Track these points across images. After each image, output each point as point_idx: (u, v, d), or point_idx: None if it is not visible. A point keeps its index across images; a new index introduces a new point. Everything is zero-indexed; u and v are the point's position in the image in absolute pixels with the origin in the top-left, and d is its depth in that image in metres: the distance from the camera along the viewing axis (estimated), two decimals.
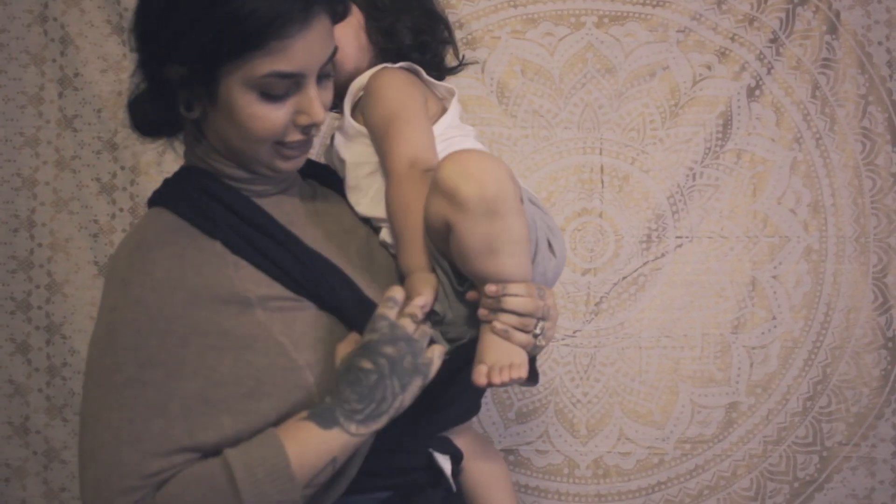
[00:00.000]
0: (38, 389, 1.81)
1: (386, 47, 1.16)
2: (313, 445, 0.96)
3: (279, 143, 1.04)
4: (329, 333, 1.03)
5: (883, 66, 1.82)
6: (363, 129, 1.12)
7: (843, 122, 1.82)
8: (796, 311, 1.82)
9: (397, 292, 1.00)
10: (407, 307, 0.99)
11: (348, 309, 1.03)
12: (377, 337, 0.97)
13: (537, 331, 1.01)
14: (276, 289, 1.02)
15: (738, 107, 1.82)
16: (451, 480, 1.12)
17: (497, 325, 0.99)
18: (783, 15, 1.82)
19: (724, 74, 1.82)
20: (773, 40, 1.82)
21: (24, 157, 1.82)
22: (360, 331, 1.01)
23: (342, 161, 1.15)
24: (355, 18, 1.15)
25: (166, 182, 1.10)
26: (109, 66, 1.81)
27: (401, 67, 1.15)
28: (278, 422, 0.98)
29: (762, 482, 1.81)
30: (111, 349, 0.97)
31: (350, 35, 1.14)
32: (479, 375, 0.97)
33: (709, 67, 1.82)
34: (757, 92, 1.82)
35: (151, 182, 1.77)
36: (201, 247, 1.02)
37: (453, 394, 1.09)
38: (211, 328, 0.97)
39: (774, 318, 1.81)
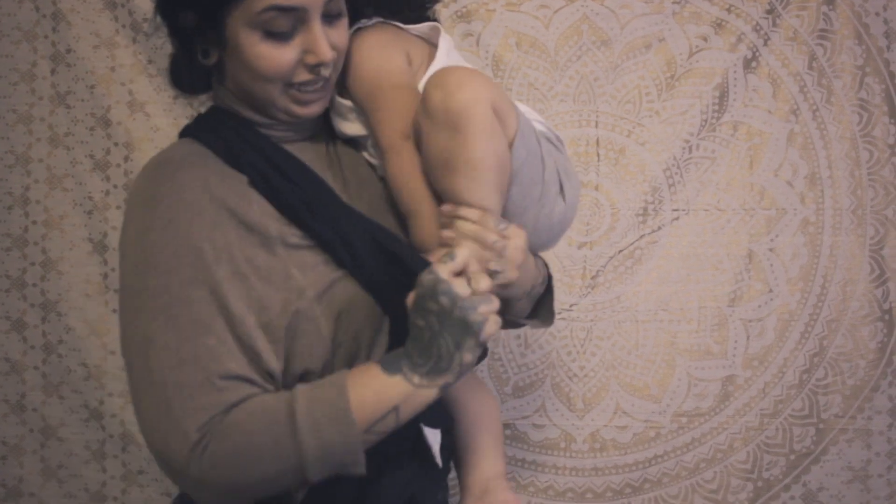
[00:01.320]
0: (34, 367, 1.81)
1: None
2: (375, 390, 0.96)
3: (291, 86, 1.04)
4: (341, 281, 1.03)
5: (880, 36, 1.81)
6: (350, 104, 1.10)
7: (840, 93, 1.81)
8: (793, 283, 1.81)
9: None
10: (452, 264, 0.96)
11: (363, 252, 1.03)
12: (421, 291, 0.96)
13: (492, 267, 0.98)
14: (294, 231, 1.02)
15: (735, 78, 1.81)
16: (437, 456, 1.10)
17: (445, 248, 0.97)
18: None
19: (720, 46, 1.81)
20: (770, 11, 1.81)
21: (17, 134, 1.81)
22: (373, 278, 1.02)
23: (349, 137, 1.14)
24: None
25: (198, 117, 1.12)
26: (102, 42, 1.80)
27: (375, 24, 1.10)
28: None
29: (759, 455, 1.81)
30: (151, 271, 0.96)
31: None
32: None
33: (705, 39, 1.81)
34: (753, 63, 1.81)
35: (145, 158, 1.76)
36: (226, 174, 1.02)
37: None
38: (237, 253, 0.98)
39: (771, 290, 1.81)
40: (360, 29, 1.10)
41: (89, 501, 1.81)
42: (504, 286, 1.01)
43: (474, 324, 0.95)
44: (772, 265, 1.81)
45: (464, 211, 0.98)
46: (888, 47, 1.81)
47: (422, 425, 1.08)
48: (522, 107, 1.12)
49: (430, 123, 0.98)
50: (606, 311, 1.81)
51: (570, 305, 1.81)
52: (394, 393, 0.96)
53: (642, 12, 1.81)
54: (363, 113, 1.09)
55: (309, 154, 1.11)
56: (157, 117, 1.80)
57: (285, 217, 1.03)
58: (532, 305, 1.20)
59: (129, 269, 0.99)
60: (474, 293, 0.95)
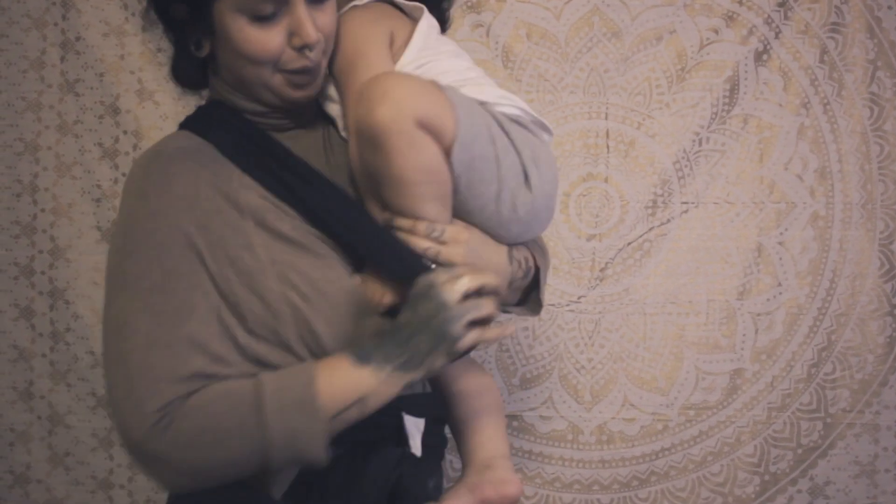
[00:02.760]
0: (41, 354, 1.81)
1: None
2: (343, 379, 0.97)
3: (283, 71, 1.04)
4: (330, 269, 1.04)
5: (892, 30, 1.80)
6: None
7: (852, 87, 1.81)
8: (802, 277, 1.81)
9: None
10: (454, 278, 0.98)
11: (352, 235, 1.04)
12: (414, 291, 0.99)
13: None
14: (286, 223, 1.03)
15: (746, 71, 1.81)
16: (417, 446, 1.10)
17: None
18: None
19: (731, 38, 1.80)
20: (782, 4, 1.80)
21: (26, 121, 1.81)
22: (362, 266, 1.03)
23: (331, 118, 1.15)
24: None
25: (197, 109, 1.14)
26: (111, 30, 1.80)
27: (367, 3, 1.11)
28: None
29: (766, 448, 1.81)
30: (135, 257, 0.99)
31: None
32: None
33: (716, 31, 1.81)
34: (764, 56, 1.81)
35: None
36: (219, 167, 1.04)
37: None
38: (227, 245, 1.00)
39: (780, 284, 1.81)
40: (354, 7, 1.11)
41: (96, 489, 1.82)
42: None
43: (452, 335, 0.98)
44: (781, 259, 1.81)
45: (396, 221, 1.01)
46: None
47: (403, 414, 1.09)
48: (492, 92, 1.09)
49: (355, 138, 1.00)
50: (615, 303, 1.81)
51: (579, 297, 1.81)
52: (362, 384, 0.98)
53: (653, 4, 1.81)
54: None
55: (304, 141, 1.12)
56: (166, 106, 1.80)
57: (278, 202, 1.04)
58: (519, 295, 1.20)
59: (114, 254, 1.02)
60: (463, 302, 0.97)
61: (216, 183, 1.03)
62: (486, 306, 0.99)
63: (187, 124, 1.12)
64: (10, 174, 1.81)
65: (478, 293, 0.99)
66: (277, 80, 1.05)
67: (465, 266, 1.01)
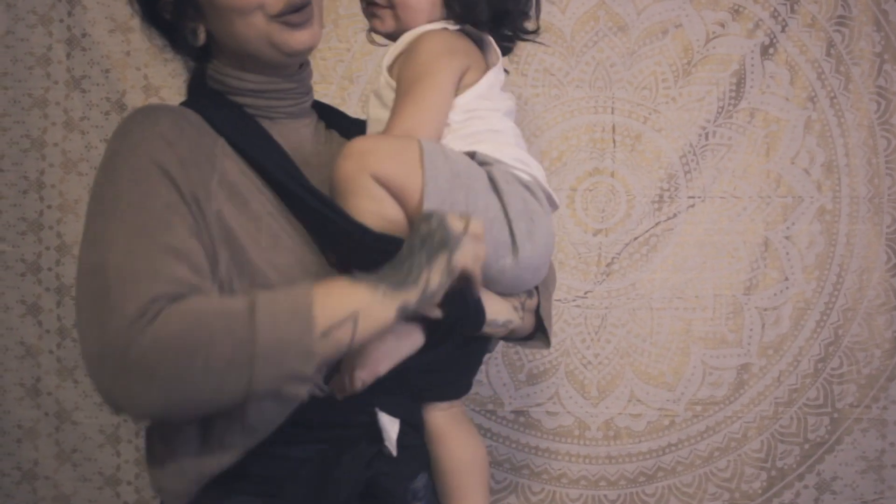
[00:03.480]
0: (49, 351, 1.81)
1: (460, 16, 1.14)
2: (338, 292, 0.94)
3: (274, 17, 1.04)
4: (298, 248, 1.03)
5: None
6: (393, 82, 1.12)
7: (858, 80, 1.80)
8: (809, 271, 1.80)
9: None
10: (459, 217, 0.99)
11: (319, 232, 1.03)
12: (419, 219, 0.99)
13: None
14: (255, 198, 1.03)
15: (752, 65, 1.80)
16: (393, 444, 1.08)
17: None
18: None
19: (737, 32, 1.80)
20: None
21: (32, 118, 1.81)
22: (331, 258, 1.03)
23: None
24: None
25: (196, 93, 1.13)
26: (117, 27, 1.80)
27: (456, 30, 1.14)
28: None
29: (773, 444, 1.80)
30: (112, 182, 0.97)
31: None
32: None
33: (722, 25, 1.80)
34: (771, 50, 1.80)
35: None
36: (205, 132, 1.04)
37: (428, 360, 1.06)
38: (191, 197, 0.98)
39: (787, 279, 1.80)
40: (445, 29, 1.13)
41: (104, 485, 1.82)
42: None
43: (450, 242, 0.96)
44: (788, 253, 1.80)
45: None
46: None
47: (378, 410, 1.07)
48: (510, 153, 1.10)
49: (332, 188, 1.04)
50: (621, 298, 1.81)
51: (585, 293, 1.81)
52: (356, 298, 0.94)
53: None
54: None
55: (295, 133, 1.12)
56: (172, 101, 1.79)
57: (255, 178, 1.04)
58: (529, 327, 1.19)
59: (94, 188, 0.99)
60: (463, 225, 0.97)
61: (199, 140, 1.02)
62: (483, 248, 0.99)
63: (185, 104, 1.11)
64: (17, 171, 1.81)
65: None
66: (272, 28, 1.05)
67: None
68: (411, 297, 0.96)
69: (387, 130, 1.07)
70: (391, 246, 0.99)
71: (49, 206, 1.82)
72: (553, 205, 1.16)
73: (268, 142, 1.07)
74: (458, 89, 1.11)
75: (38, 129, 1.81)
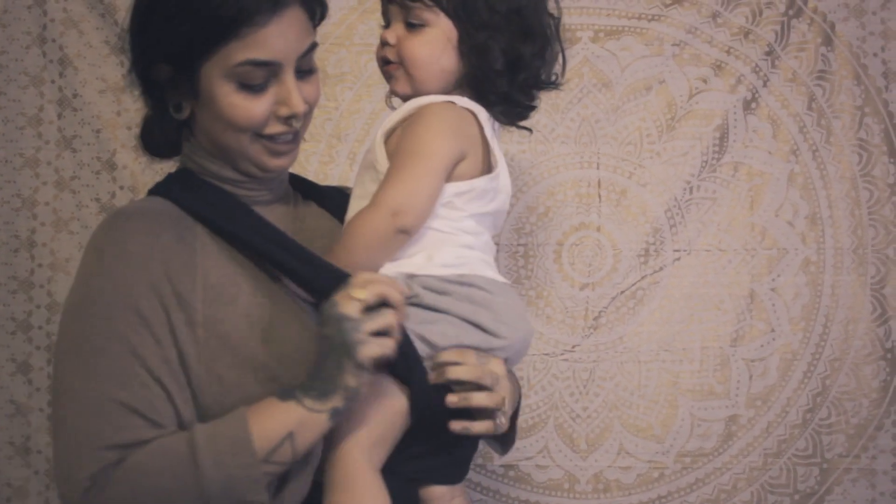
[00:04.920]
0: (39, 409, 1.81)
1: (475, 68, 1.11)
2: (271, 416, 0.97)
3: (264, 137, 1.06)
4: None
5: (879, 77, 1.83)
6: (384, 160, 1.09)
7: (840, 133, 1.83)
8: (795, 323, 1.82)
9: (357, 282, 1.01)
10: (349, 292, 0.98)
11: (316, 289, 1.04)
12: (322, 319, 0.99)
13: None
14: (247, 282, 1.03)
15: (735, 119, 1.83)
16: None
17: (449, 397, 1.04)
18: (778, 27, 1.83)
19: (720, 87, 1.83)
20: (769, 53, 1.82)
21: (23, 177, 1.82)
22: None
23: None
24: (444, 32, 1.12)
25: (168, 175, 1.15)
26: (108, 87, 1.82)
27: (464, 107, 1.11)
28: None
29: (763, 495, 1.80)
30: (83, 317, 0.99)
31: (436, 51, 1.12)
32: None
33: (705, 81, 1.83)
34: (753, 104, 1.83)
35: None
36: (184, 232, 1.03)
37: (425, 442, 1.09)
38: (162, 321, 0.99)
39: (773, 330, 1.81)
40: (450, 102, 1.11)
41: None
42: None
43: (352, 344, 0.97)
44: (774, 305, 1.82)
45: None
46: (887, 87, 1.83)
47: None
48: (444, 255, 1.09)
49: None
50: (609, 351, 1.82)
51: (573, 346, 1.82)
52: (288, 418, 0.97)
53: (642, 55, 1.83)
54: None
55: (276, 213, 1.13)
56: (162, 161, 1.81)
57: (244, 260, 1.04)
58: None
59: (64, 314, 1.03)
60: (367, 317, 0.97)
61: (176, 247, 1.02)
62: (387, 316, 0.98)
63: (156, 190, 1.12)
64: (8, 229, 1.83)
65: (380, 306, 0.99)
66: (256, 148, 1.07)
67: (363, 279, 1.00)
68: (338, 402, 0.98)
69: (374, 203, 1.06)
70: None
71: (40, 265, 1.83)
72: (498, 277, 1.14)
73: (252, 219, 1.08)
74: (457, 173, 1.09)
75: (29, 188, 1.83)
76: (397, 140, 1.10)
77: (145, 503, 0.95)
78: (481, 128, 1.13)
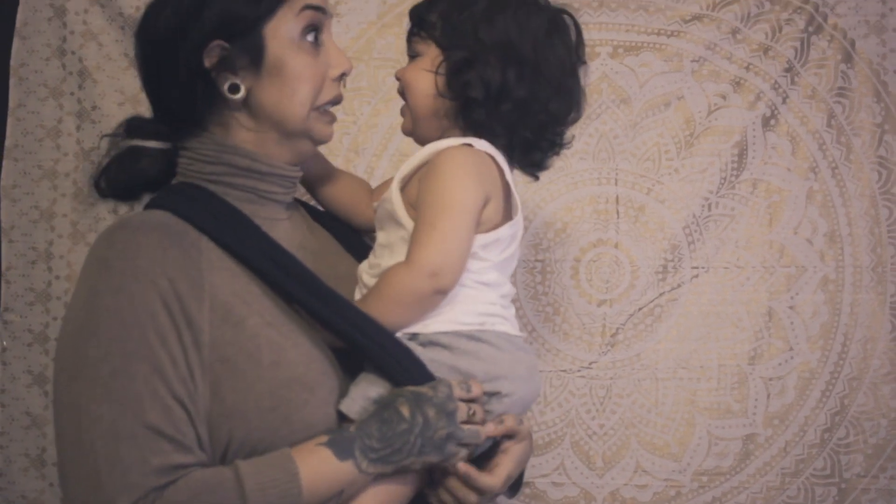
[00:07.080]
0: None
1: (456, 95, 1.09)
2: (325, 474, 0.95)
3: (316, 109, 1.06)
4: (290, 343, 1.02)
5: None
6: (406, 219, 1.07)
7: (859, 151, 1.82)
8: (813, 341, 1.81)
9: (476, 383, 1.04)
10: (472, 395, 1.02)
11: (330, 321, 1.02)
12: (431, 395, 0.98)
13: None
14: (255, 302, 1.01)
15: (754, 136, 1.82)
16: None
17: None
18: (798, 44, 1.82)
19: (739, 104, 1.82)
20: (788, 69, 1.82)
21: (42, 189, 1.83)
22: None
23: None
24: (432, 60, 1.11)
25: (167, 188, 1.10)
26: (126, 100, 1.83)
27: (483, 150, 1.09)
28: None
29: None
30: (95, 338, 0.93)
31: (424, 76, 1.11)
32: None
33: (724, 97, 1.82)
34: (772, 121, 1.82)
35: None
36: (188, 243, 0.99)
37: None
38: (175, 339, 0.96)
39: (791, 348, 1.80)
40: (468, 145, 1.09)
41: None
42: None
43: (448, 453, 0.99)
44: (792, 323, 1.81)
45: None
46: None
47: None
48: (461, 312, 1.07)
49: None
50: (626, 368, 1.81)
51: (590, 363, 1.81)
52: (343, 478, 0.96)
53: (661, 70, 1.83)
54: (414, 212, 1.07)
55: (284, 224, 1.12)
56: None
57: (253, 276, 1.01)
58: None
59: (70, 332, 0.96)
60: (469, 424, 1.00)
61: (184, 262, 0.97)
62: (482, 434, 1.02)
63: (155, 203, 1.06)
64: (26, 241, 1.83)
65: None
66: (314, 115, 1.06)
67: (470, 383, 1.03)
68: (389, 469, 0.98)
69: (411, 262, 1.03)
70: (408, 359, 1.01)
71: (57, 277, 1.83)
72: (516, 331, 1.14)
73: (260, 239, 1.04)
74: (484, 219, 1.07)
75: (47, 200, 1.83)
76: (416, 188, 1.07)
77: None
78: (501, 171, 1.11)
